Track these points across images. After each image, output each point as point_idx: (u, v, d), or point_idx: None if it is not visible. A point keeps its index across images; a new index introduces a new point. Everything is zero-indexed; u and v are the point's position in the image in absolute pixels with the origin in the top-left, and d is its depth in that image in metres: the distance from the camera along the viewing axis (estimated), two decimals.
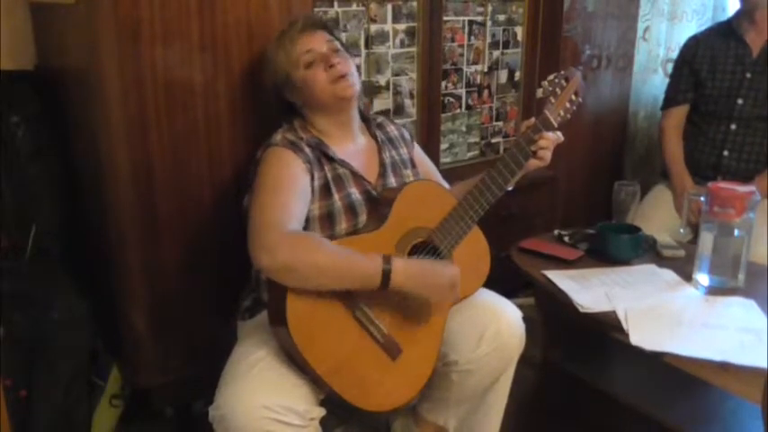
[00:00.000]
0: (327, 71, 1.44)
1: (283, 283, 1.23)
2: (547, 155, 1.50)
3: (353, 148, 1.53)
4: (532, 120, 1.49)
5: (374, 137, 1.58)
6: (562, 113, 1.51)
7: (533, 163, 1.50)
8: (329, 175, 1.44)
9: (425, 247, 1.42)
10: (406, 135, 1.66)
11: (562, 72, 1.53)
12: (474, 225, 1.46)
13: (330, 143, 1.48)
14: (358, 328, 1.30)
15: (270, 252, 1.22)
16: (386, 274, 1.25)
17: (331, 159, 1.46)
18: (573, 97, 1.52)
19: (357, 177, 1.48)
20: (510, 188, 1.50)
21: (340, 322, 1.28)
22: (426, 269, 1.32)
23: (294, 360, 1.27)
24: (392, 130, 1.63)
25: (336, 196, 1.43)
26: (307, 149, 1.42)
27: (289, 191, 1.36)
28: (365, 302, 1.30)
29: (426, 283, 1.30)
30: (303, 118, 1.51)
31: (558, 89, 1.50)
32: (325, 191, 1.43)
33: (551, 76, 1.52)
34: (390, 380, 1.33)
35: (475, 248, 1.50)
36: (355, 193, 1.45)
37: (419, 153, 1.68)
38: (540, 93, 1.52)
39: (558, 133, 1.51)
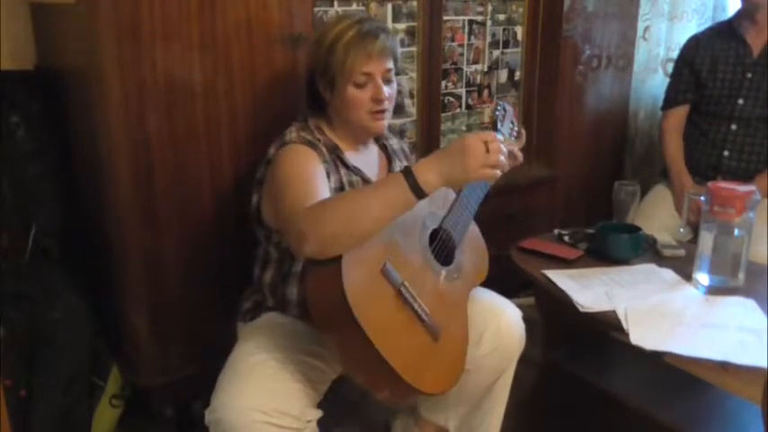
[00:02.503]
0: (372, 102, 1.41)
1: (334, 253, 1.15)
2: (518, 153, 1.42)
3: (366, 156, 1.53)
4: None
5: (383, 148, 1.59)
6: (509, 133, 1.56)
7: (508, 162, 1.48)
8: (344, 180, 1.43)
9: (441, 234, 1.41)
10: (406, 148, 1.67)
11: (498, 104, 1.62)
12: (473, 214, 1.48)
13: (345, 149, 1.47)
14: (405, 308, 1.23)
15: (304, 236, 1.15)
16: (414, 187, 1.16)
17: (345, 165, 1.45)
18: (511, 124, 1.59)
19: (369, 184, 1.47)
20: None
21: (391, 302, 1.22)
22: (445, 155, 1.19)
23: (352, 352, 1.18)
24: (395, 143, 1.63)
25: None
26: (324, 149, 1.41)
27: (313, 180, 1.32)
28: (407, 279, 1.25)
29: (456, 166, 1.17)
30: (323, 113, 1.48)
31: (501, 117, 1.56)
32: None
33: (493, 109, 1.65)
34: (437, 361, 1.28)
35: (475, 247, 1.51)
36: None
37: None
38: (491, 117, 1.61)
39: (519, 142, 1.53)
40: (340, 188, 1.42)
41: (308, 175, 1.33)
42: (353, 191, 1.27)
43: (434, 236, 1.41)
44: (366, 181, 1.47)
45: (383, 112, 1.43)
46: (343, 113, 1.44)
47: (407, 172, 1.17)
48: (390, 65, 1.43)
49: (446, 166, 1.17)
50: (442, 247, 1.41)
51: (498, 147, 1.18)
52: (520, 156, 1.44)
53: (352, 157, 1.47)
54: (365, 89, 1.40)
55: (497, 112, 1.59)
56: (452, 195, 1.49)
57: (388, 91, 1.42)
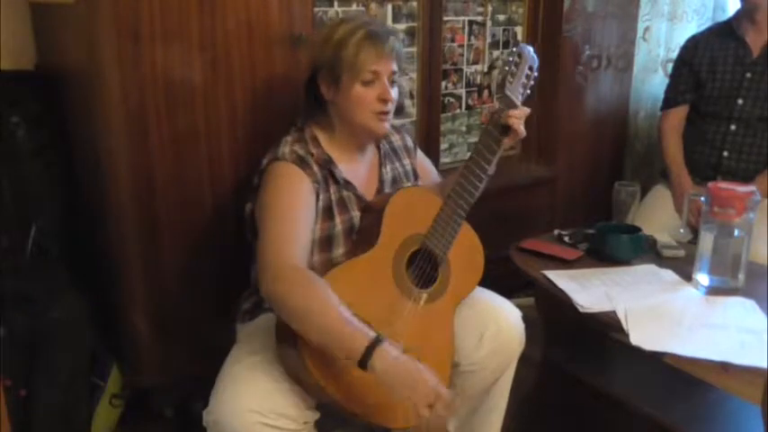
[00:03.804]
0: (378, 101, 1.41)
1: (275, 311, 1.23)
2: (520, 128, 1.41)
3: (361, 162, 1.51)
4: (495, 105, 1.45)
5: (378, 148, 1.56)
6: (521, 90, 1.45)
7: (509, 139, 1.43)
8: (333, 198, 1.42)
9: (422, 254, 1.40)
10: (409, 143, 1.63)
11: (513, 49, 1.48)
12: (462, 221, 1.43)
13: (339, 159, 1.45)
14: None
15: (272, 279, 1.22)
16: (365, 357, 1.14)
17: (336, 181, 1.44)
18: (528, 72, 1.46)
19: (360, 199, 1.47)
20: (491, 173, 1.45)
21: None
22: (411, 368, 1.16)
23: (303, 381, 1.25)
24: (396, 139, 1.61)
25: (338, 219, 1.42)
26: (315, 167, 1.40)
27: (298, 213, 1.34)
28: (373, 321, 1.24)
29: (405, 383, 1.15)
30: (321, 117, 1.47)
31: (513, 67, 1.44)
32: (328, 213, 1.41)
33: (503, 56, 1.48)
34: None
35: (467, 244, 1.49)
36: (357, 217, 1.45)
37: (421, 159, 1.67)
38: (496, 75, 1.50)
39: (525, 108, 1.44)
40: (329, 207, 1.41)
41: (293, 207, 1.34)
42: (332, 310, 1.17)
43: (415, 256, 1.39)
44: (357, 196, 1.46)
45: (387, 113, 1.43)
46: (347, 114, 1.43)
47: (373, 346, 1.14)
48: (396, 67, 1.43)
49: (400, 379, 1.15)
50: (423, 267, 1.39)
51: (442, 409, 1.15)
52: (522, 131, 1.40)
53: (345, 169, 1.46)
54: (371, 88, 1.40)
55: (508, 65, 1.44)
56: (435, 205, 1.42)
57: (392, 93, 1.42)
